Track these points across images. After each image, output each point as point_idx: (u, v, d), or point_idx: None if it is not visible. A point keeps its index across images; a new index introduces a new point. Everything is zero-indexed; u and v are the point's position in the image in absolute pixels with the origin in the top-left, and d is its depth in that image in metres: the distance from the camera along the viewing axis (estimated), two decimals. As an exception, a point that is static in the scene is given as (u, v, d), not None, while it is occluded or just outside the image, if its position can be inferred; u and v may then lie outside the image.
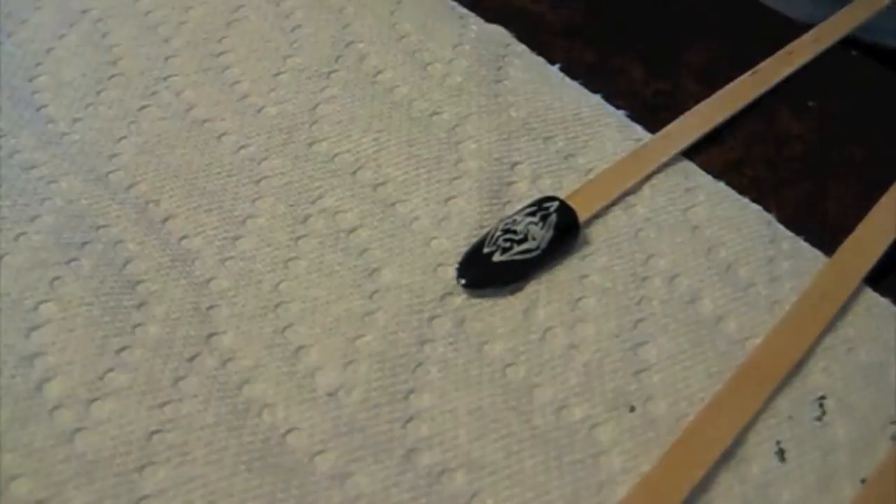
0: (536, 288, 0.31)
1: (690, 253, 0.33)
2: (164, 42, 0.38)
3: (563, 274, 0.32)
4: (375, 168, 0.34)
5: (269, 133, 0.35)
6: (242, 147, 0.35)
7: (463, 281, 0.31)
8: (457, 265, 0.31)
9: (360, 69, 0.38)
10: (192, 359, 0.29)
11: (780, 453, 0.28)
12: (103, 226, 0.31)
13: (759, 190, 0.35)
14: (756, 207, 0.35)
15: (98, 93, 0.36)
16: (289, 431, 0.27)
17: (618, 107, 0.37)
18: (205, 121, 0.35)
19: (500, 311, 0.31)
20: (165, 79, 0.37)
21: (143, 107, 0.36)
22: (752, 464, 0.28)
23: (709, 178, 0.35)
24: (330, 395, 0.28)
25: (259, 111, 0.36)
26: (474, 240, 0.32)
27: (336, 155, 0.35)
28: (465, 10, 0.41)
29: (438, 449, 0.28)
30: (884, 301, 0.32)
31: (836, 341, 0.31)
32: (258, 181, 0.34)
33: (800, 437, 0.29)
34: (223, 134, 0.35)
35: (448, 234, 0.33)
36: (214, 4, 0.40)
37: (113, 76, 0.37)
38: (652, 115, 0.37)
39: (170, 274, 0.30)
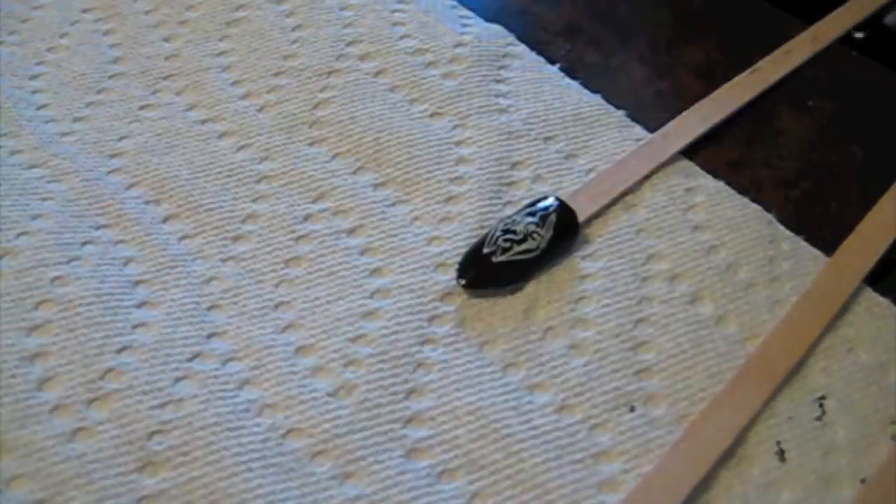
0: (536, 288, 0.31)
1: (690, 253, 0.33)
2: (164, 41, 0.38)
3: (563, 274, 0.32)
4: (375, 168, 0.34)
5: (269, 133, 0.35)
6: (242, 147, 0.35)
7: (463, 281, 0.31)
8: (457, 265, 0.31)
9: (360, 69, 0.38)
10: (192, 359, 0.29)
11: (780, 453, 0.28)
12: (103, 226, 0.31)
13: (759, 190, 0.35)
14: (756, 207, 0.34)
15: (98, 92, 0.36)
16: (289, 432, 0.27)
17: (618, 107, 0.37)
18: (205, 121, 0.35)
19: (500, 311, 0.31)
20: (165, 78, 0.37)
21: (144, 106, 0.36)
22: (752, 464, 0.28)
23: (709, 178, 0.35)
24: (330, 395, 0.28)
25: (259, 111, 0.36)
26: (474, 240, 0.32)
27: (336, 155, 0.35)
28: (465, 10, 0.41)
29: (438, 449, 0.28)
30: (884, 301, 0.32)
31: (836, 341, 0.31)
32: (258, 181, 0.34)
33: (800, 437, 0.29)
34: (223, 134, 0.35)
35: (448, 235, 0.33)
36: (214, 4, 0.40)
37: (113, 75, 0.37)
38: (652, 115, 0.37)
39: (170, 274, 0.30)
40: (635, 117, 0.37)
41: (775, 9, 0.42)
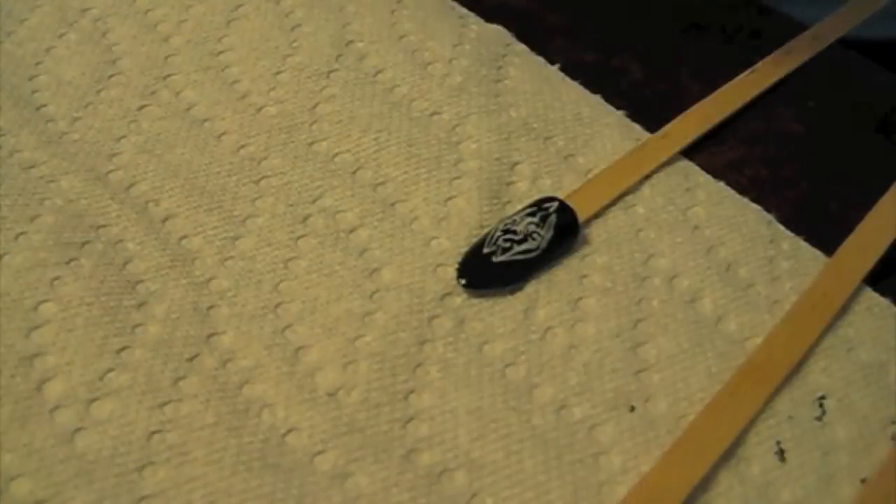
0: (536, 288, 0.31)
1: (690, 253, 0.33)
2: (163, 41, 0.38)
3: (563, 274, 0.32)
4: (375, 168, 0.34)
5: (269, 132, 0.35)
6: (242, 146, 0.35)
7: (463, 281, 0.31)
8: (457, 265, 0.31)
9: (360, 68, 0.38)
10: (192, 359, 0.29)
11: (780, 453, 0.28)
12: (103, 226, 0.31)
13: (759, 190, 0.35)
14: (756, 207, 0.35)
15: (98, 92, 0.36)
16: (289, 431, 0.27)
17: (618, 107, 0.37)
18: (205, 120, 0.35)
19: (500, 311, 0.31)
20: (165, 78, 0.37)
21: (143, 106, 0.36)
22: (752, 464, 0.28)
23: (709, 178, 0.35)
24: (330, 395, 0.28)
25: (259, 110, 0.36)
26: (474, 240, 0.32)
27: (336, 154, 0.35)
28: (465, 10, 0.41)
29: (438, 449, 0.28)
30: (884, 301, 0.32)
31: (836, 341, 0.31)
32: (258, 181, 0.34)
33: (800, 437, 0.29)
34: (223, 133, 0.35)
35: (448, 234, 0.33)
36: (214, 3, 0.40)
37: (112, 75, 0.37)
38: (652, 115, 0.37)
39: (170, 274, 0.30)
40: (635, 117, 0.37)
41: (775, 9, 0.42)
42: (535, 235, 0.32)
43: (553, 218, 0.32)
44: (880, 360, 0.31)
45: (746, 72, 0.39)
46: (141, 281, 0.30)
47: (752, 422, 0.29)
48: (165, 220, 0.32)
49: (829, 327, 0.31)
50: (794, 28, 0.41)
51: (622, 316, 0.31)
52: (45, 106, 0.35)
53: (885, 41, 0.44)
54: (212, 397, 0.28)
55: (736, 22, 0.42)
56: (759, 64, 0.39)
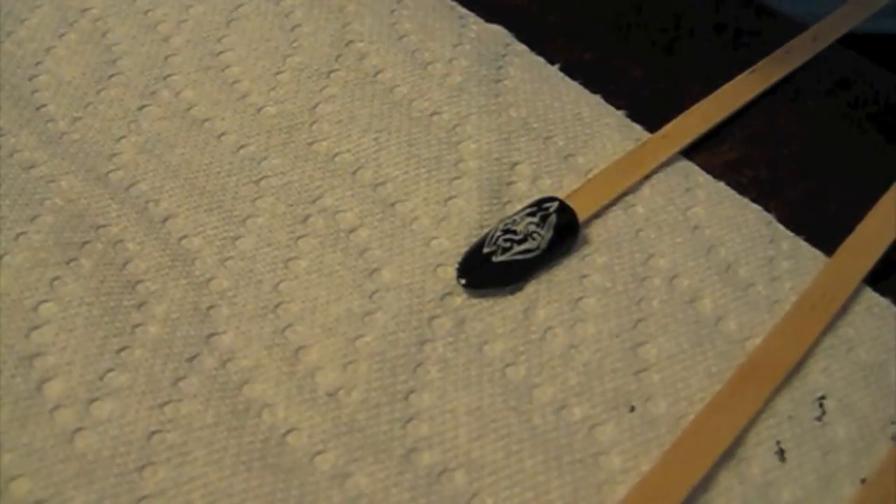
0: (536, 288, 0.31)
1: (690, 253, 0.33)
2: (163, 41, 0.38)
3: (563, 274, 0.32)
4: (375, 168, 0.34)
5: (269, 132, 0.35)
6: (242, 146, 0.35)
7: (463, 281, 0.31)
8: (457, 265, 0.31)
9: (360, 68, 0.38)
10: (192, 359, 0.29)
11: (780, 453, 0.28)
12: (103, 226, 0.31)
13: (759, 190, 0.35)
14: (756, 207, 0.35)
15: (98, 92, 0.36)
16: (289, 431, 0.27)
17: (618, 107, 0.37)
18: (204, 120, 0.35)
19: (500, 311, 0.31)
20: (165, 78, 0.37)
21: (143, 106, 0.36)
22: (752, 464, 0.28)
23: (709, 178, 0.35)
24: (330, 395, 0.28)
25: (259, 110, 0.36)
26: (474, 240, 0.32)
27: (336, 154, 0.35)
28: (465, 10, 0.41)
29: (438, 449, 0.28)
30: (884, 301, 0.32)
31: (836, 341, 0.31)
32: (258, 181, 0.34)
33: (800, 437, 0.29)
34: (223, 133, 0.35)
35: (448, 234, 0.33)
36: (214, 3, 0.40)
37: (113, 75, 0.37)
38: (652, 115, 0.37)
39: (170, 274, 0.30)
40: (635, 117, 0.37)
41: (775, 9, 0.42)
42: (535, 235, 0.32)
43: (553, 218, 0.32)
44: (880, 360, 0.31)
45: (746, 72, 0.39)
46: (141, 281, 0.30)
47: (752, 422, 0.29)
48: (165, 220, 0.32)
49: (829, 327, 0.31)
50: (794, 28, 0.41)
51: (622, 316, 0.31)
52: (45, 106, 0.35)
53: (886, 35, 0.44)
54: (212, 397, 0.28)
55: (736, 22, 0.42)
56: (759, 64, 0.39)
